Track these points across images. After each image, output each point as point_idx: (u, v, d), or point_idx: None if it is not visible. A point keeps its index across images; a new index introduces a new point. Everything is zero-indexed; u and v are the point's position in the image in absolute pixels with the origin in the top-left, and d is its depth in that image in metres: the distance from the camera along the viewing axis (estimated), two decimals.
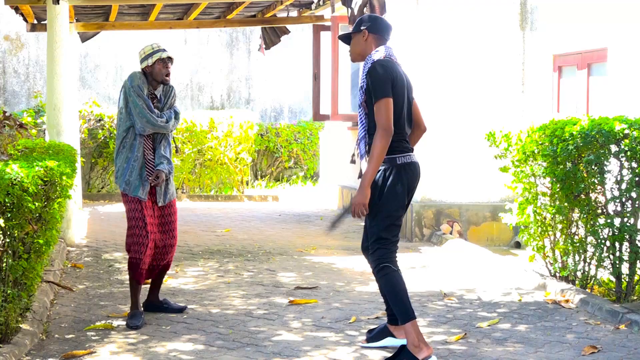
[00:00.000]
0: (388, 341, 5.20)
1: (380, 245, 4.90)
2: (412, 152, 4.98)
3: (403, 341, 5.01)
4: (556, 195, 6.65)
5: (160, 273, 6.19)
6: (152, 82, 5.95)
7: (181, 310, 6.14)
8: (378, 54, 4.95)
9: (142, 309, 6.02)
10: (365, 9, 8.43)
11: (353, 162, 5.70)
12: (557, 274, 6.92)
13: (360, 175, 5.00)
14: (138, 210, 5.89)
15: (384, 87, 4.81)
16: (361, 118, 4.99)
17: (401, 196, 4.88)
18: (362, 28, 5.04)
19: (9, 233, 5.00)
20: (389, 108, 4.80)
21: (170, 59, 5.92)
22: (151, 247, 5.90)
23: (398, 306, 4.85)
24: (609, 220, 6.28)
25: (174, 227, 6.08)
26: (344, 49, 11.61)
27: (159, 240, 5.98)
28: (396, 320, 5.17)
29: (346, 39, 5.16)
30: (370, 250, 4.95)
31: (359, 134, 5.02)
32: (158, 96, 5.98)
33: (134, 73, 5.92)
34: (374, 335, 5.26)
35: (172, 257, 6.15)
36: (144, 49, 5.92)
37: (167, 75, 5.91)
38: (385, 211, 4.86)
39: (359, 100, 4.96)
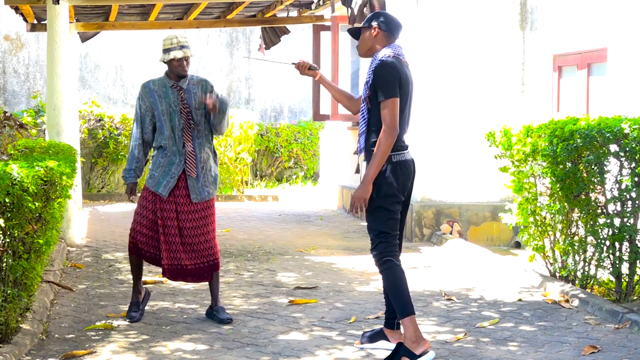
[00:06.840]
0: (381, 344, 5.18)
1: (381, 239, 4.93)
2: (407, 149, 5.01)
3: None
4: (556, 195, 6.65)
5: (200, 277, 5.95)
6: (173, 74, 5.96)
7: (225, 321, 5.81)
8: (387, 51, 4.94)
9: (141, 299, 6.04)
10: (365, 9, 8.43)
11: (357, 172, 5.69)
12: (557, 274, 6.92)
13: (357, 170, 5.00)
14: (148, 200, 5.89)
15: (392, 88, 4.82)
16: (363, 113, 4.99)
17: (396, 191, 4.92)
18: (373, 24, 5.03)
19: (9, 233, 5.00)
20: (395, 108, 4.82)
21: (185, 58, 5.86)
22: (146, 234, 5.88)
23: (398, 299, 4.87)
24: (609, 220, 6.28)
25: (203, 224, 5.91)
26: (344, 49, 11.62)
27: (188, 237, 5.87)
28: (392, 324, 5.17)
29: (355, 33, 5.15)
30: (372, 245, 4.97)
31: (360, 128, 5.03)
32: (185, 87, 5.93)
33: (145, 82, 5.97)
34: (369, 337, 5.25)
35: (207, 262, 5.92)
36: (164, 41, 5.86)
37: (183, 71, 5.87)
38: (382, 206, 4.90)
39: (363, 95, 4.96)
